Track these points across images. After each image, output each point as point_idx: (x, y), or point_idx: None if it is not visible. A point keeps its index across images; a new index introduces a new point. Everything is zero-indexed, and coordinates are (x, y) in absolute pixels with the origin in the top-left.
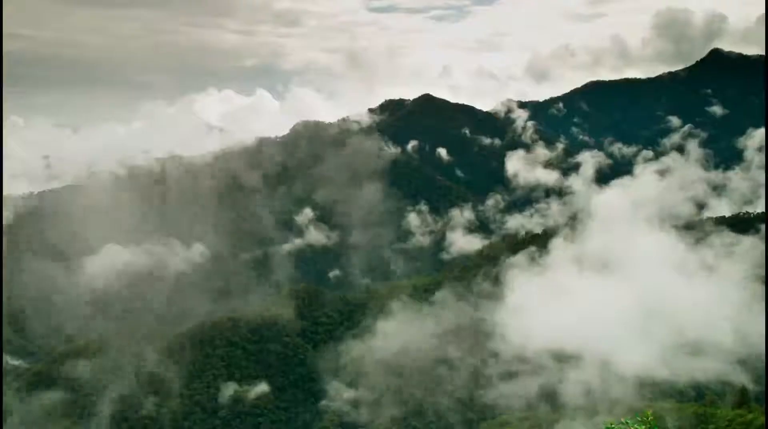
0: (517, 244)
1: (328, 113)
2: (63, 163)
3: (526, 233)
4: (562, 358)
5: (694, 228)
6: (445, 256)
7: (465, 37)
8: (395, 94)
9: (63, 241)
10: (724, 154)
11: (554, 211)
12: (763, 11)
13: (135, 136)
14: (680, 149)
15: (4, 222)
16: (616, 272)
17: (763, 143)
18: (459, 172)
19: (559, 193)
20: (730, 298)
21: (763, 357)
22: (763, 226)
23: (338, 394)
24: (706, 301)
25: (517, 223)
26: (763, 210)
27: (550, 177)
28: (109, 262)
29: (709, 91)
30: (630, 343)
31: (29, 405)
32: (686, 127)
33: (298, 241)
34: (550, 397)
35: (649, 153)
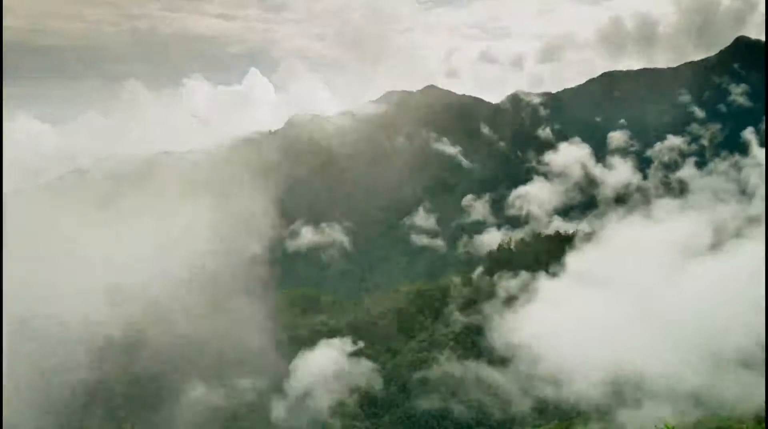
0: (531, 243)
1: (323, 102)
2: (47, 158)
3: (538, 233)
4: (583, 367)
5: (723, 224)
6: (454, 254)
7: (468, 23)
8: (395, 84)
9: (50, 241)
10: (748, 146)
11: (566, 206)
12: None
13: (119, 127)
14: (702, 140)
15: None
16: (640, 274)
17: None
18: (468, 166)
19: (574, 187)
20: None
21: None
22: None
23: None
24: (738, 304)
25: (530, 218)
26: None
27: (563, 170)
28: (99, 262)
29: (734, 80)
30: (654, 350)
31: None
32: (708, 118)
33: (297, 242)
34: (570, 407)
35: (669, 144)
